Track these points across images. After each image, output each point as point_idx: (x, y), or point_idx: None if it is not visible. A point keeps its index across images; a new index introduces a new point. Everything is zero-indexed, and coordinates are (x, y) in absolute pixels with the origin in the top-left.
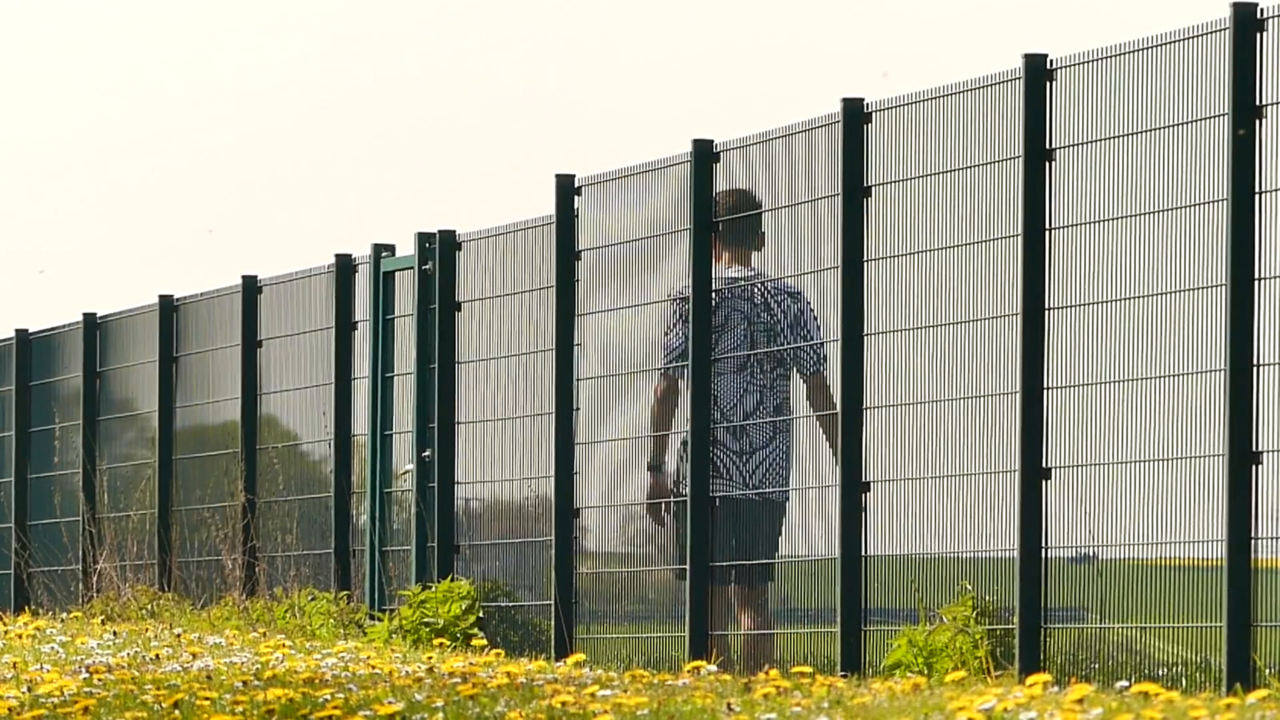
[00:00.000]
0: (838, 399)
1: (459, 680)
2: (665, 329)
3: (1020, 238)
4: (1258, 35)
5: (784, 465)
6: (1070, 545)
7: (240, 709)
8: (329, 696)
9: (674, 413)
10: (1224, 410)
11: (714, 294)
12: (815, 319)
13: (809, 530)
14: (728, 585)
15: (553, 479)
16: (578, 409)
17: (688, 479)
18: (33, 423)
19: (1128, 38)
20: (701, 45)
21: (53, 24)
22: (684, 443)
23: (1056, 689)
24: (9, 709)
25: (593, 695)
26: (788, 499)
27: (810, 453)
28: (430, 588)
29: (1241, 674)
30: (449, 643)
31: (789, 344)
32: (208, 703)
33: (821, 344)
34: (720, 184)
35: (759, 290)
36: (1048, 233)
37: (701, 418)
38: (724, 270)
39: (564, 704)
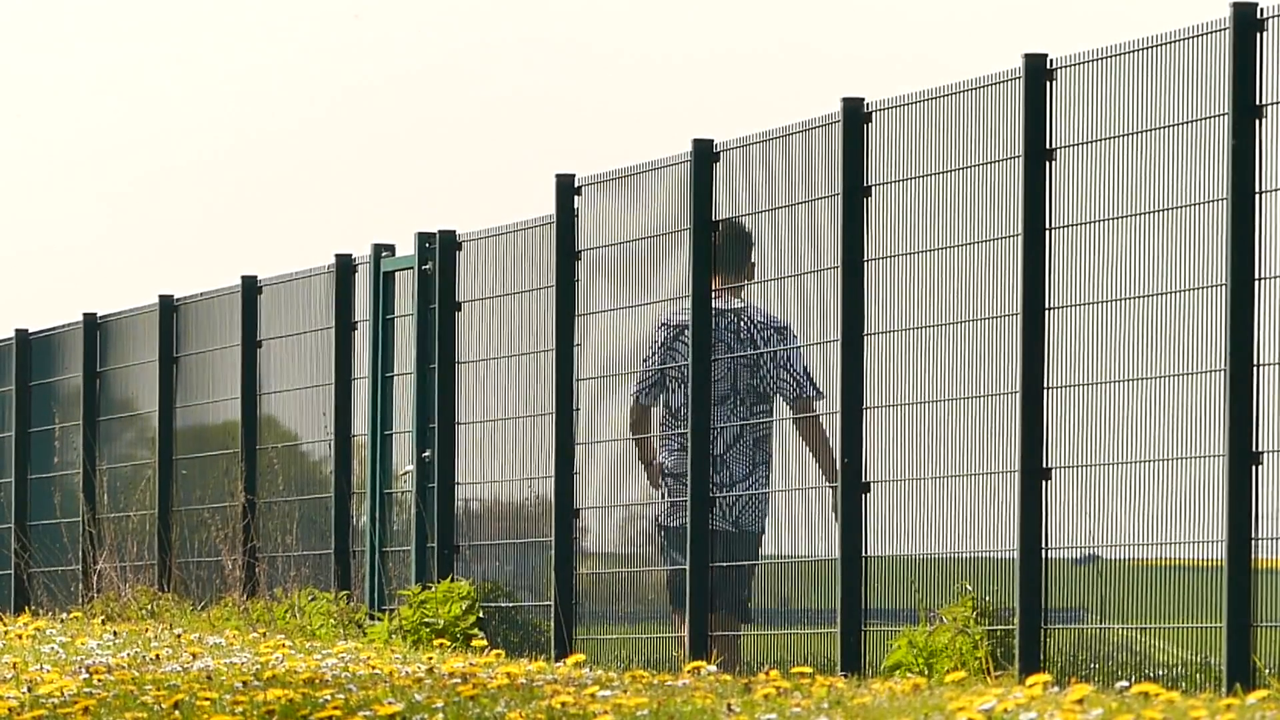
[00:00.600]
0: (836, 402)
1: (459, 681)
2: (646, 355)
3: (1020, 238)
4: (1258, 35)
5: (763, 499)
6: (1070, 545)
7: (240, 709)
8: (329, 697)
9: (648, 442)
10: (1224, 410)
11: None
12: (801, 355)
13: (808, 530)
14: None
15: (553, 479)
16: (578, 409)
17: (686, 479)
18: (33, 423)
19: (1128, 38)
20: (701, 45)
21: (53, 24)
22: (663, 468)
23: (1056, 689)
24: (9, 709)
25: (593, 696)
26: (764, 531)
27: (810, 453)
28: (430, 588)
29: (1241, 674)
30: (449, 643)
31: (772, 377)
32: (208, 703)
33: (806, 372)
34: (720, 184)
35: (744, 325)
36: (1048, 233)
37: (702, 413)
38: (713, 302)
39: (564, 704)
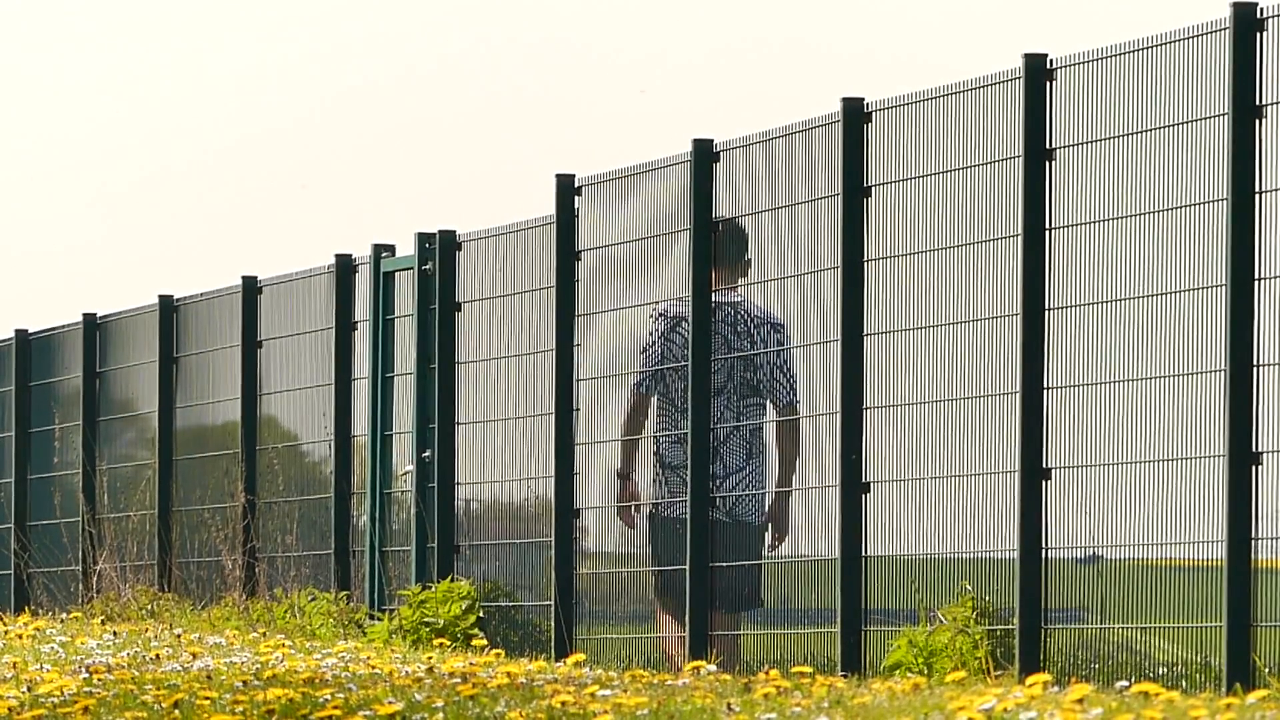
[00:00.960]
0: (836, 402)
1: (459, 680)
2: (644, 345)
3: (1020, 238)
4: (1258, 35)
5: (759, 489)
6: (1070, 545)
7: (240, 709)
8: (329, 696)
9: (641, 430)
10: (1224, 410)
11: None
12: (794, 356)
13: (809, 529)
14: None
15: (553, 479)
16: (578, 409)
17: (682, 485)
18: (33, 423)
19: (1128, 38)
20: (701, 45)
21: (53, 24)
22: (657, 455)
23: (1056, 689)
24: (9, 709)
25: (593, 695)
26: (762, 523)
27: (810, 454)
28: (430, 588)
29: (1241, 674)
30: (449, 643)
31: (766, 375)
32: (208, 703)
33: (795, 382)
34: (720, 184)
35: (741, 318)
36: (1048, 233)
37: (702, 414)
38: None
39: (564, 704)
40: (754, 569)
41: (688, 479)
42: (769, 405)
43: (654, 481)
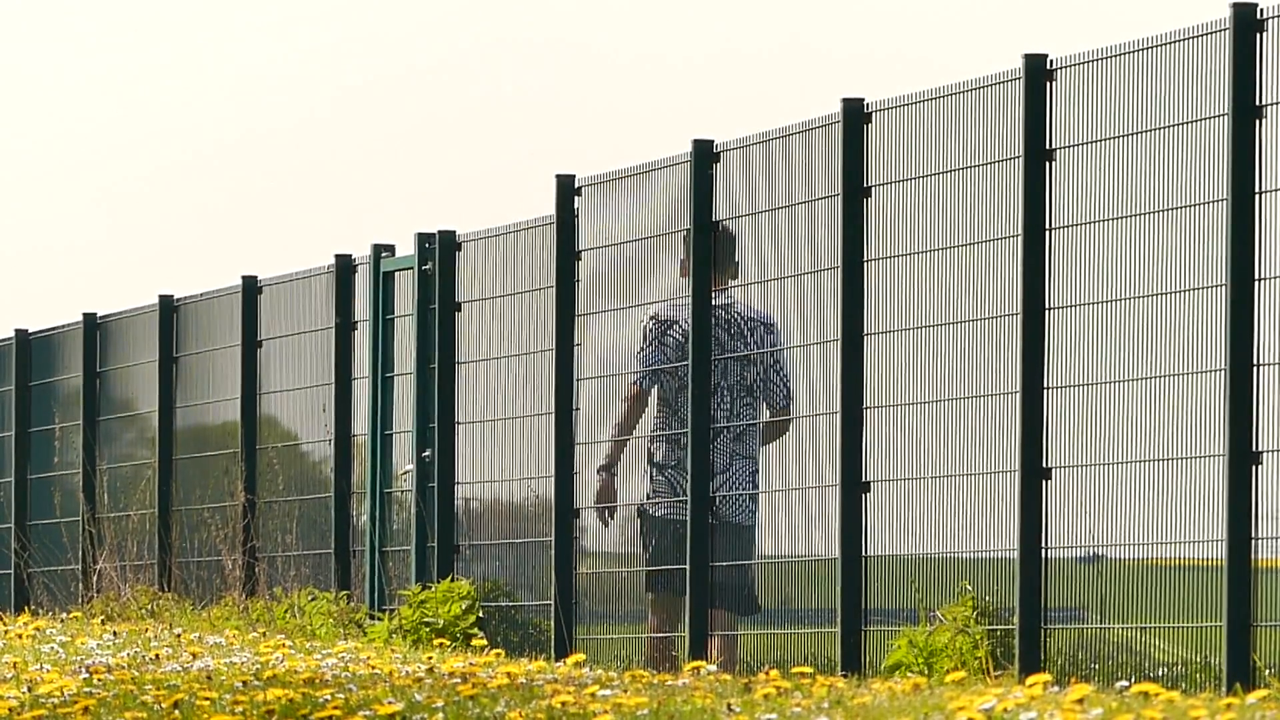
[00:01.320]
0: (836, 402)
1: (459, 680)
2: (640, 346)
3: (1020, 238)
4: (1258, 35)
5: (749, 489)
6: (1070, 545)
7: (240, 709)
8: (329, 696)
9: (639, 417)
10: (1224, 410)
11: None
12: (785, 356)
13: (808, 530)
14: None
15: (553, 479)
16: (578, 409)
17: (667, 485)
18: (33, 423)
19: (1128, 38)
20: (701, 45)
21: (54, 24)
22: (650, 457)
23: (1056, 689)
24: (9, 709)
25: (593, 695)
26: (754, 522)
27: (810, 453)
28: (430, 588)
29: (1241, 674)
30: (449, 643)
31: (759, 375)
32: (208, 703)
33: (789, 382)
34: (720, 184)
35: (736, 319)
36: (1048, 233)
37: (702, 415)
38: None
39: (564, 704)
40: (749, 572)
41: (675, 479)
42: (764, 406)
43: (643, 479)
